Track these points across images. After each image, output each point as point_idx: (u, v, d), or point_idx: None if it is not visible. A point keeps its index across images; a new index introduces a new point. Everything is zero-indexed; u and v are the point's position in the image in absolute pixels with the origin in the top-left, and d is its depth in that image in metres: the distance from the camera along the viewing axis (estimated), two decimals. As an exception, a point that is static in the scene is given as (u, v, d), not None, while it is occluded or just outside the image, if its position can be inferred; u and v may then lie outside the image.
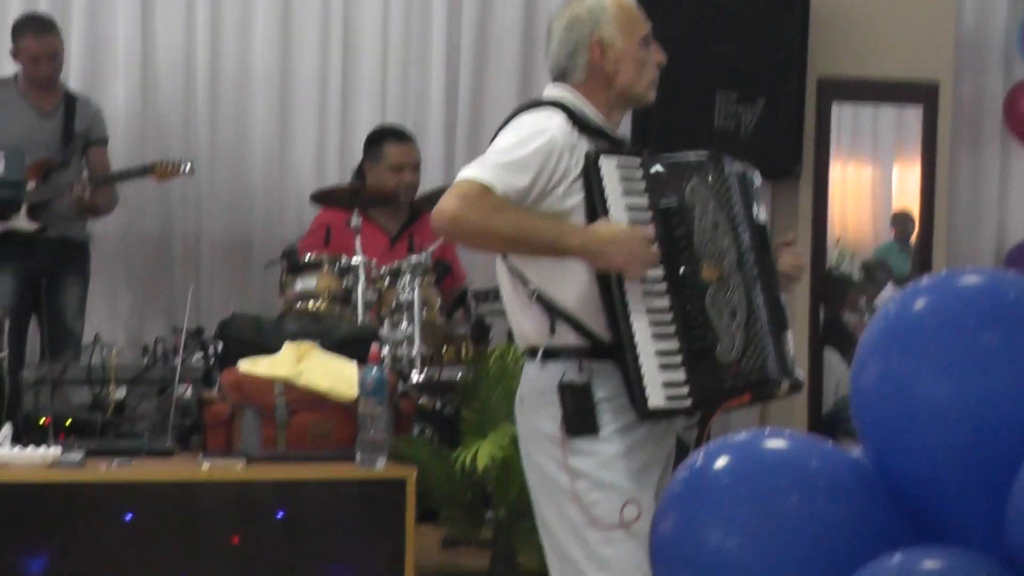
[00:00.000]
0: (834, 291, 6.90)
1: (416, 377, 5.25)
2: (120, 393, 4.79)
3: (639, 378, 3.45)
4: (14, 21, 6.36)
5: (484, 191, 3.41)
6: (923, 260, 6.86)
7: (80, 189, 6.15)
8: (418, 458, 4.59)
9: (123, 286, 6.90)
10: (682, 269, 3.53)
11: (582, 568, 3.54)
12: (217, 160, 6.95)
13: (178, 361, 4.82)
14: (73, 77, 6.77)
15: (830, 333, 6.78)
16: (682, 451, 3.66)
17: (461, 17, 7.16)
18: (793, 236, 3.97)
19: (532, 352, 3.62)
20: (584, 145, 3.56)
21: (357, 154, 6.55)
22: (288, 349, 4.71)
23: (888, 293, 7.12)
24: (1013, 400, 2.60)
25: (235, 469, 4.31)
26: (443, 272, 5.79)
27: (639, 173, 3.56)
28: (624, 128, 3.87)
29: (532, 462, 3.65)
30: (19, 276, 6.14)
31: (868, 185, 7.44)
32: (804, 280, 5.04)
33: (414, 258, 5.48)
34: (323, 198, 6.03)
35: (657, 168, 3.60)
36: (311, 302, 5.47)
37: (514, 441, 4.04)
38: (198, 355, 5.06)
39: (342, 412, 4.54)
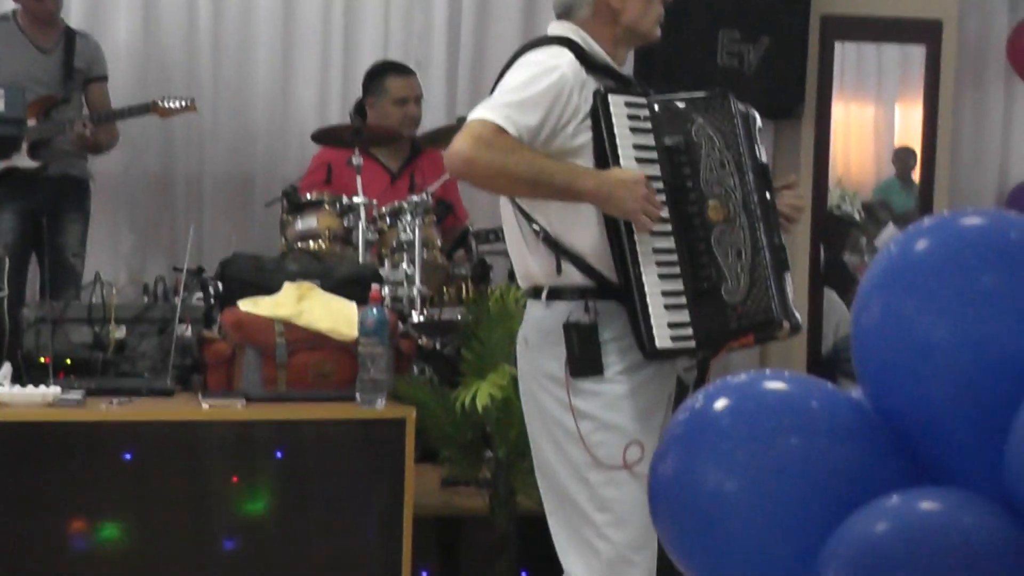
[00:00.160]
0: (835, 231, 6.89)
1: (416, 317, 5.26)
2: (120, 332, 4.79)
3: (646, 319, 3.44)
4: (14, -45, 6.32)
5: (498, 131, 3.37)
6: (925, 197, 6.84)
7: (81, 126, 6.12)
8: (418, 398, 4.59)
9: (124, 224, 6.90)
10: (689, 208, 3.52)
11: (584, 509, 3.54)
12: (220, 98, 6.93)
13: (179, 301, 4.81)
14: (74, 13, 6.73)
15: (830, 273, 6.77)
16: (682, 392, 3.66)
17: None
18: (794, 179, 3.96)
19: (536, 292, 3.60)
20: (592, 83, 3.54)
21: (359, 92, 6.52)
22: (289, 289, 4.72)
23: (889, 233, 7.10)
24: (1014, 341, 2.60)
25: (234, 409, 4.33)
26: (444, 212, 5.78)
27: (646, 111, 3.54)
28: (627, 67, 3.84)
29: (534, 402, 3.64)
30: (20, 214, 6.12)
31: (870, 124, 7.42)
32: (805, 220, 5.03)
33: (415, 198, 5.47)
34: (324, 137, 6.01)
35: (664, 106, 3.58)
36: (312, 241, 5.47)
37: (514, 382, 4.04)
38: (198, 295, 5.06)
39: (342, 352, 4.55)
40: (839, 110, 6.83)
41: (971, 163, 7.51)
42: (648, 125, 3.54)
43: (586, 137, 3.50)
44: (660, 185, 3.50)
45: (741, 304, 3.52)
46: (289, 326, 4.57)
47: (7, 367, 4.40)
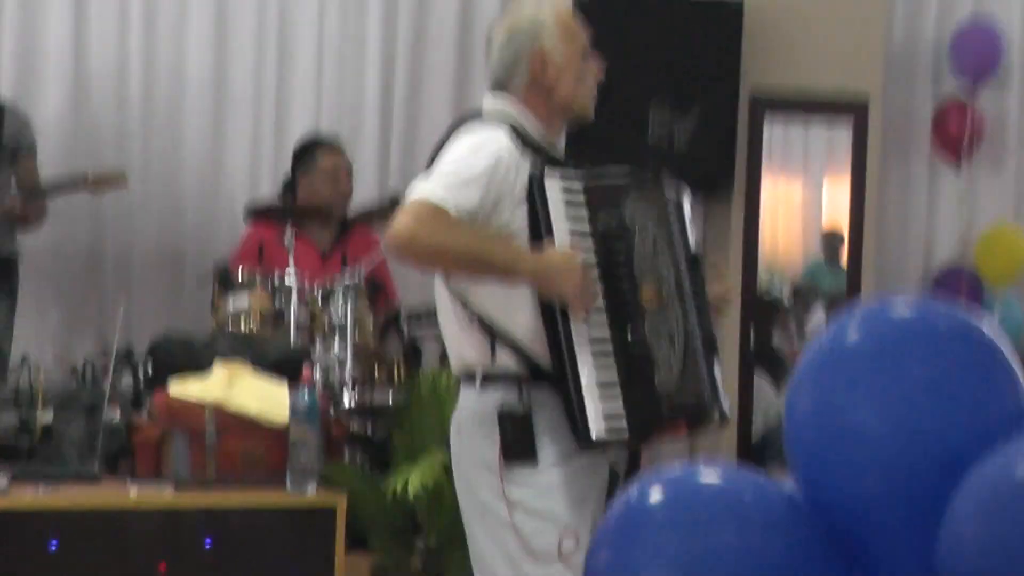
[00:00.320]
0: (764, 314, 6.92)
1: (348, 400, 5.23)
2: (48, 416, 4.74)
3: (582, 410, 3.43)
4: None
5: (437, 211, 3.37)
6: (853, 279, 6.89)
7: (12, 202, 6.07)
8: (348, 484, 4.58)
9: (52, 302, 6.81)
10: (623, 292, 3.52)
11: (520, 600, 3.54)
12: (150, 171, 6.88)
13: (107, 385, 4.78)
14: (2, 83, 6.69)
15: (760, 357, 6.80)
16: (614, 480, 3.66)
17: (396, 26, 7.13)
18: (721, 265, 3.97)
19: (470, 377, 3.59)
20: (527, 162, 3.53)
21: (290, 165, 6.51)
22: (219, 370, 4.69)
23: (819, 317, 7.16)
24: (944, 431, 2.63)
25: (163, 495, 4.29)
26: (375, 292, 5.77)
27: (581, 193, 3.53)
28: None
29: (467, 490, 3.63)
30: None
31: (799, 201, 7.48)
32: (735, 303, 5.05)
33: (347, 278, 5.46)
34: (256, 214, 6.00)
35: (599, 187, 3.57)
36: (243, 321, 5.44)
37: (446, 468, 4.02)
38: (127, 375, 5.02)
39: (273, 437, 4.52)
40: (768, 187, 6.88)
41: (897, 242, 7.57)
42: (583, 207, 3.53)
43: (522, 217, 3.50)
44: (595, 268, 3.50)
45: (674, 392, 3.53)
46: (219, 410, 4.54)
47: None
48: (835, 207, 7.25)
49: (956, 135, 7.48)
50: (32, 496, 4.21)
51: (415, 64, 7.17)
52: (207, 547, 4.25)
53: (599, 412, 3.44)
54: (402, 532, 4.74)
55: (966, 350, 2.70)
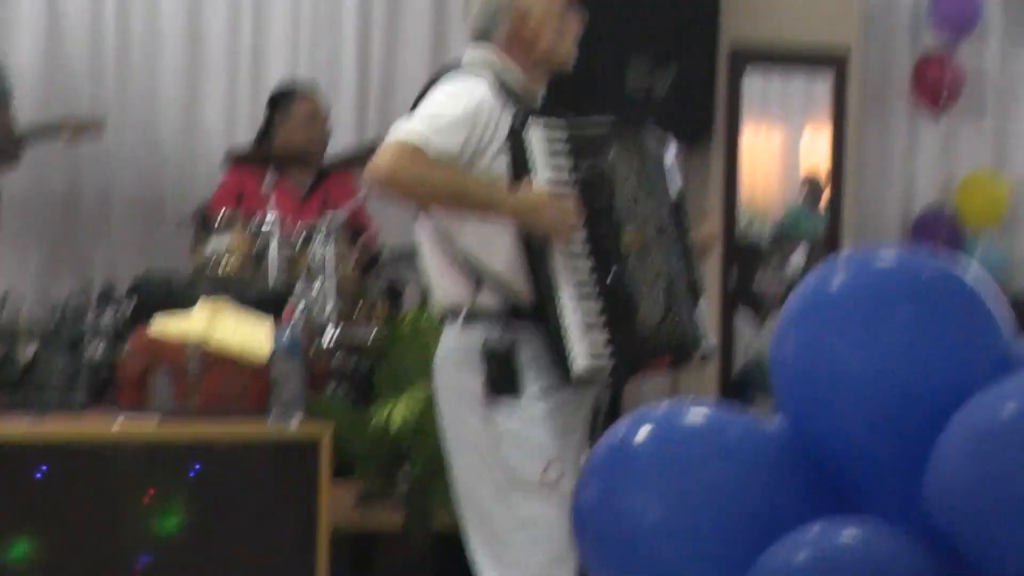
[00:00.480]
0: (745, 257, 6.96)
1: (330, 337, 5.23)
2: (31, 350, 4.73)
3: (564, 341, 3.46)
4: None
5: (417, 149, 3.42)
6: (833, 223, 6.94)
7: None
8: (332, 416, 4.58)
9: (32, 245, 6.79)
10: (605, 235, 3.54)
11: (502, 527, 3.55)
12: (126, 117, 6.85)
13: (90, 319, 4.76)
14: (-23, 32, 6.67)
15: (741, 297, 6.85)
16: (595, 415, 3.69)
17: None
18: (710, 213, 4.01)
19: (453, 313, 3.62)
20: (509, 110, 3.56)
21: (267, 114, 6.51)
22: (202, 306, 4.68)
23: (800, 254, 7.21)
24: (929, 374, 2.67)
25: (148, 426, 4.29)
26: (355, 235, 5.77)
27: (563, 139, 3.55)
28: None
29: (453, 422, 3.66)
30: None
31: (778, 150, 7.50)
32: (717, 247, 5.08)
33: (328, 218, 5.45)
34: (236, 158, 5.98)
35: (581, 134, 3.59)
36: (223, 262, 5.43)
37: (429, 401, 4.04)
38: (109, 312, 5.00)
39: (255, 373, 4.52)
40: (747, 136, 6.90)
41: (877, 189, 7.63)
42: (564, 154, 3.55)
43: (503, 164, 3.52)
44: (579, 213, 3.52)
45: (657, 328, 3.55)
46: (202, 347, 4.53)
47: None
48: (815, 156, 7.27)
49: (935, 86, 7.52)
50: (19, 426, 4.21)
51: (392, 12, 7.15)
52: (193, 477, 4.26)
53: (583, 344, 3.46)
54: (386, 461, 4.76)
55: (950, 295, 2.75)
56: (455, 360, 3.62)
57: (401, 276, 5.70)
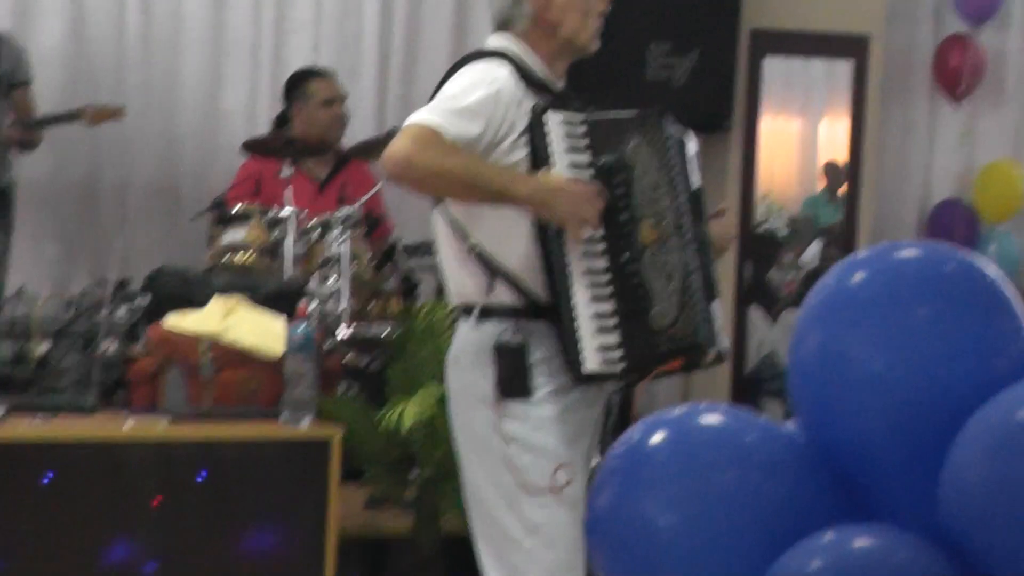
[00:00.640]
0: (760, 248, 6.92)
1: (343, 333, 5.24)
2: (43, 347, 4.74)
3: (575, 341, 3.42)
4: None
5: (435, 135, 3.36)
6: (850, 212, 6.91)
7: (8, 132, 6.07)
8: (343, 417, 4.58)
9: (49, 234, 6.82)
10: (622, 227, 3.50)
11: (511, 532, 3.52)
12: (147, 105, 6.87)
13: (103, 317, 4.77)
14: (1, 17, 6.65)
15: (755, 290, 6.81)
16: (606, 417, 3.68)
17: (395, -40, 7.11)
18: (725, 208, 3.96)
19: (467, 310, 3.59)
20: (529, 98, 3.51)
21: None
22: (215, 303, 4.69)
23: (815, 249, 7.17)
24: (948, 374, 2.64)
25: (158, 428, 4.30)
26: (372, 225, 5.76)
27: (583, 129, 3.51)
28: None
29: (463, 423, 3.63)
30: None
31: (796, 138, 7.46)
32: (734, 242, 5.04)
33: (344, 211, 5.45)
34: (254, 147, 5.98)
35: (601, 124, 3.55)
36: (239, 254, 5.43)
37: (441, 401, 4.03)
38: (124, 308, 5.01)
39: (269, 369, 4.53)
40: (766, 124, 6.87)
41: (896, 178, 7.59)
42: (584, 143, 3.51)
43: (522, 153, 3.48)
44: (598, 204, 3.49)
45: (669, 328, 3.51)
46: (215, 343, 4.54)
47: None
48: (833, 145, 7.24)
49: (956, 73, 7.47)
50: (28, 427, 4.22)
51: (414, 2, 7.13)
52: (201, 480, 4.26)
53: (594, 345, 3.44)
54: (397, 464, 4.75)
55: (970, 294, 2.73)
56: (467, 358, 3.59)
57: (415, 271, 5.69)
